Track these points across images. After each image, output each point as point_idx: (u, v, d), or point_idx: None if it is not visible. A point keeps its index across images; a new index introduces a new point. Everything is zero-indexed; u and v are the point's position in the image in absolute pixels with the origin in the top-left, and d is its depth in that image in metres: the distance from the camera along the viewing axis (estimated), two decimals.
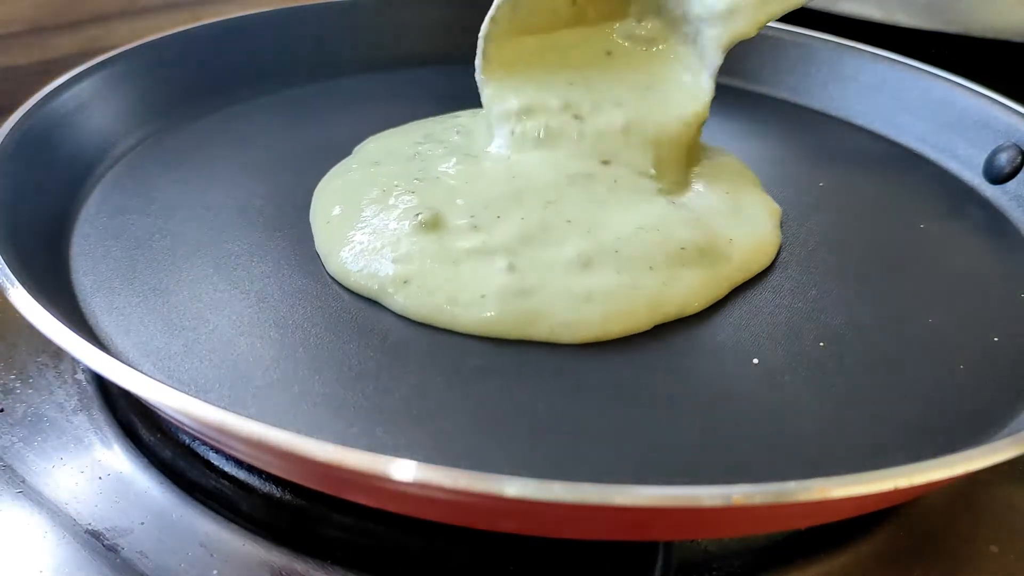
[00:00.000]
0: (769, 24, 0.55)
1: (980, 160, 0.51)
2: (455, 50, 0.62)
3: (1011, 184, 0.49)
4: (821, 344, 0.38)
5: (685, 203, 0.44)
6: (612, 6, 0.49)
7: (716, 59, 0.47)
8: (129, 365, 0.31)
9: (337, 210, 0.44)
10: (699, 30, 0.47)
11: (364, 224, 0.42)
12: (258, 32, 0.58)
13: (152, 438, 0.35)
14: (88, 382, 0.38)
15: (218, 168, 0.49)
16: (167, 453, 0.35)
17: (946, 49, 0.53)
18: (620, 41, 0.49)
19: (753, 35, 0.46)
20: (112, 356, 0.31)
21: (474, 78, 0.48)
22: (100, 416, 0.36)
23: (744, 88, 0.60)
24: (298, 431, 0.28)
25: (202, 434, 0.33)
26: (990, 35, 0.63)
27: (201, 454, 0.35)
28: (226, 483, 0.34)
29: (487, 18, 0.46)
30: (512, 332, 0.37)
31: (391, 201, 0.43)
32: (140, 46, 0.54)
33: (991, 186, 0.50)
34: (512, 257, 0.39)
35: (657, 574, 0.31)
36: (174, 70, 0.54)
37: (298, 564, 0.31)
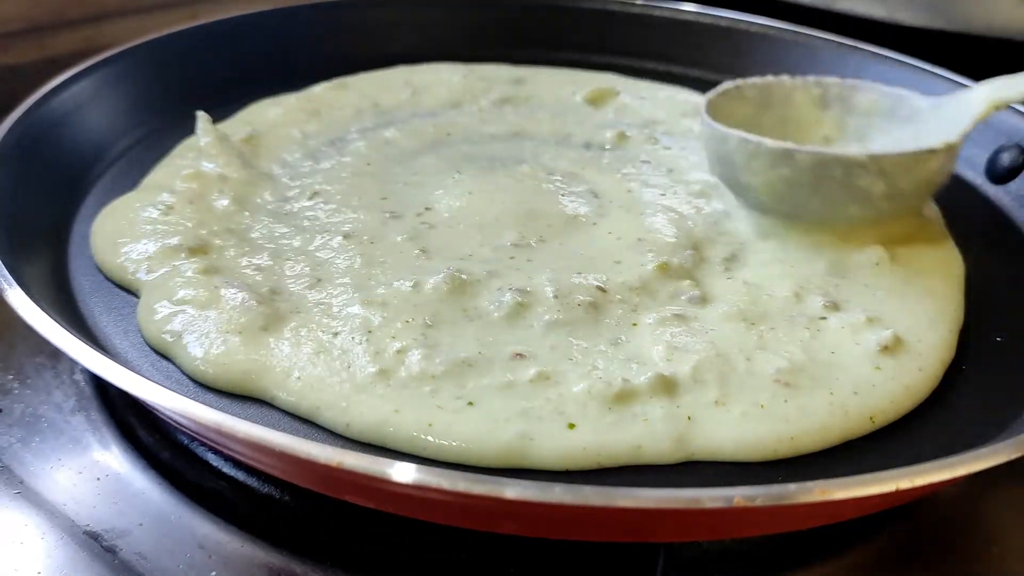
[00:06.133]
0: (769, 23, 0.55)
1: (982, 160, 0.50)
2: (454, 48, 0.62)
3: (1013, 184, 0.49)
4: None
5: None
6: None
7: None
8: (127, 366, 0.31)
9: None
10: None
11: None
12: (255, 32, 0.58)
13: (150, 439, 0.35)
14: (86, 383, 0.38)
15: None
16: (166, 454, 0.35)
17: (948, 48, 0.53)
18: None
19: None
20: (110, 357, 0.31)
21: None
22: (98, 417, 0.36)
23: None
24: (296, 432, 0.28)
25: (201, 435, 0.33)
26: (992, 34, 0.63)
27: (200, 455, 0.34)
28: (225, 484, 0.33)
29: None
30: None
31: None
32: (138, 45, 0.53)
33: (993, 186, 0.50)
34: None
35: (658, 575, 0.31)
36: (172, 69, 0.54)
37: (297, 566, 0.31)
